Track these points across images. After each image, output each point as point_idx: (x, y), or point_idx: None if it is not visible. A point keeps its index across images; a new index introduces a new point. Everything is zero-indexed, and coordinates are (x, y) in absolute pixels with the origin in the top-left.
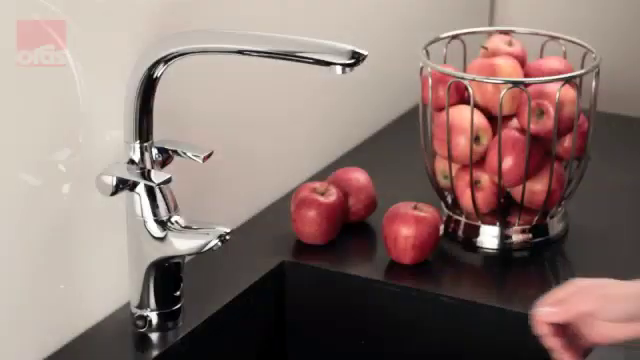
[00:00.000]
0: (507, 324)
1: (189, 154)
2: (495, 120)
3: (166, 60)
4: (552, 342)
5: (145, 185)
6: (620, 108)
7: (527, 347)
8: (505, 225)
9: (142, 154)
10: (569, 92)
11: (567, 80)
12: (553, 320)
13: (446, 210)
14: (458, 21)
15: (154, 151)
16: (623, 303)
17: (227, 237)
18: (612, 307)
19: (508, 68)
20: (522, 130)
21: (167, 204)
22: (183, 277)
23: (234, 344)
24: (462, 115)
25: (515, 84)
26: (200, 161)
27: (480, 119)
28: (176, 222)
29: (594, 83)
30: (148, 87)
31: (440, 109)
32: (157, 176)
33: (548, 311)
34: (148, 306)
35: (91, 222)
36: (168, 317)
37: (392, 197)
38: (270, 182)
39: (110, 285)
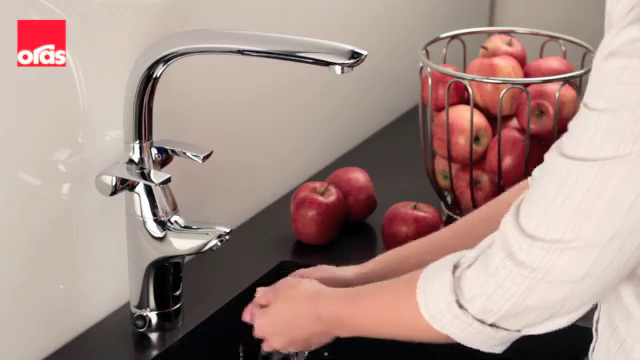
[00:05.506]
0: None
1: (189, 154)
2: (495, 120)
3: (166, 60)
4: None
5: (145, 185)
6: None
7: (526, 346)
8: None
9: (142, 154)
10: (569, 92)
11: (567, 80)
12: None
13: (446, 210)
14: (458, 21)
15: (154, 151)
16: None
17: (227, 237)
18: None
19: (508, 68)
20: (522, 130)
21: (167, 204)
22: (183, 277)
23: (234, 344)
24: (462, 115)
25: (515, 84)
26: (200, 161)
27: (480, 119)
28: (176, 222)
29: None
30: (148, 87)
31: (440, 109)
32: (157, 176)
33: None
34: (148, 306)
35: (91, 222)
36: (168, 317)
37: (392, 197)
38: (270, 182)
39: (110, 285)
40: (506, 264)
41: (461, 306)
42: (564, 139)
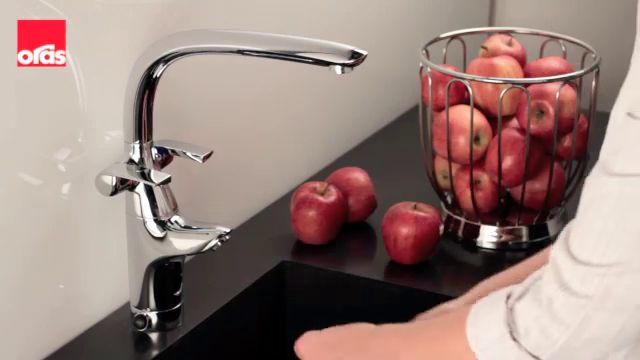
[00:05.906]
0: None
1: (189, 154)
2: (495, 120)
3: (166, 60)
4: None
5: (145, 185)
6: None
7: None
8: (505, 225)
9: (142, 154)
10: (569, 92)
11: (567, 80)
12: None
13: (446, 210)
14: (458, 21)
15: (154, 151)
16: None
17: (227, 237)
18: None
19: (508, 68)
20: (522, 130)
21: (167, 204)
22: (183, 277)
23: (234, 344)
24: (462, 115)
25: (515, 84)
26: (200, 161)
27: (480, 119)
28: (176, 222)
29: (594, 83)
30: (148, 87)
31: (440, 109)
32: (157, 176)
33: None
34: (148, 306)
35: (91, 222)
36: (168, 317)
37: (392, 197)
38: (270, 182)
39: (110, 285)
40: (559, 295)
41: (514, 339)
42: (609, 157)
